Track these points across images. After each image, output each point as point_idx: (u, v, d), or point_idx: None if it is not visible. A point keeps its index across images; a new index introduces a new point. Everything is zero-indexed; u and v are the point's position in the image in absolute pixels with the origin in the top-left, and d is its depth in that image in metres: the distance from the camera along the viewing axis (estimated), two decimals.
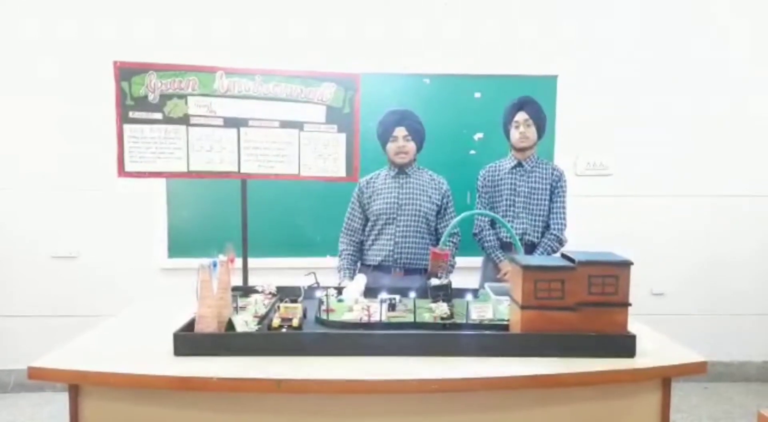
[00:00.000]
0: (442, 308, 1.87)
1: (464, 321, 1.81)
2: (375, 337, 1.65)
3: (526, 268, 1.65)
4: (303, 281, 2.23)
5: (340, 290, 2.19)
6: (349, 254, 2.63)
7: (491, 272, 2.61)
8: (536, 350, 1.63)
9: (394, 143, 2.52)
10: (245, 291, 2.24)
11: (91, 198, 3.25)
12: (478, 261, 2.83)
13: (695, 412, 3.13)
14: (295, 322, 1.79)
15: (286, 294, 2.22)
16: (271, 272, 3.14)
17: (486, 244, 2.61)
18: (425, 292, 2.17)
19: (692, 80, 3.44)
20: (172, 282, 3.16)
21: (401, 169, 2.58)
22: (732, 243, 3.52)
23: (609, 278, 1.65)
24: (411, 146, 2.54)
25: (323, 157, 2.27)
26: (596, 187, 3.41)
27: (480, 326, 1.80)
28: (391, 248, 2.52)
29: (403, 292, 2.17)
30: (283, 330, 1.77)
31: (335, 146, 2.29)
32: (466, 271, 2.78)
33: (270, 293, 2.22)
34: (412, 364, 1.56)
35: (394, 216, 2.54)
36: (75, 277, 3.29)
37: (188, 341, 1.63)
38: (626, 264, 1.65)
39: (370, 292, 2.19)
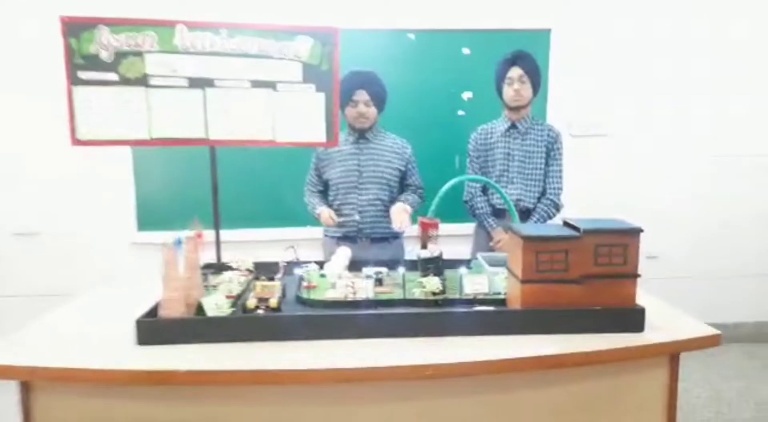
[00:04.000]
0: (433, 283, 1.71)
1: (458, 297, 1.66)
2: (362, 318, 1.50)
3: (527, 239, 1.49)
4: (282, 256, 2.07)
5: (321, 264, 2.02)
6: (315, 194, 2.53)
7: (483, 240, 2.46)
8: (538, 327, 1.50)
9: (354, 108, 2.36)
10: (218, 268, 2.06)
11: (50, 169, 3.00)
12: (468, 228, 2.67)
13: (689, 375, 3.07)
14: (273, 302, 1.63)
15: (263, 270, 2.05)
16: (248, 245, 2.98)
17: (477, 211, 2.45)
18: (413, 264, 2.02)
19: (693, 36, 3.26)
20: (143, 258, 2.97)
21: (361, 134, 2.41)
22: (729, 205, 3.42)
23: (617, 247, 1.51)
24: (372, 111, 2.38)
25: (300, 120, 2.06)
26: (592, 149, 3.25)
27: (475, 301, 1.66)
28: (356, 216, 2.39)
29: (381, 265, 2.03)
30: (260, 311, 1.61)
31: (313, 108, 2.08)
32: (456, 239, 2.63)
33: (246, 270, 2.05)
34: (404, 347, 1.42)
35: (355, 184, 2.39)
36: (37, 255, 3.07)
37: (152, 328, 1.46)
38: (635, 232, 1.51)
39: (353, 265, 2.04)
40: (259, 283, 1.74)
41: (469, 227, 2.66)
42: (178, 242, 1.55)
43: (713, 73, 3.31)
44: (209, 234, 2.14)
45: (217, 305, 1.55)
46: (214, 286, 1.86)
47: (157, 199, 3.03)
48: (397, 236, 2.48)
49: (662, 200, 3.36)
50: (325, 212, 2.37)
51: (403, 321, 1.49)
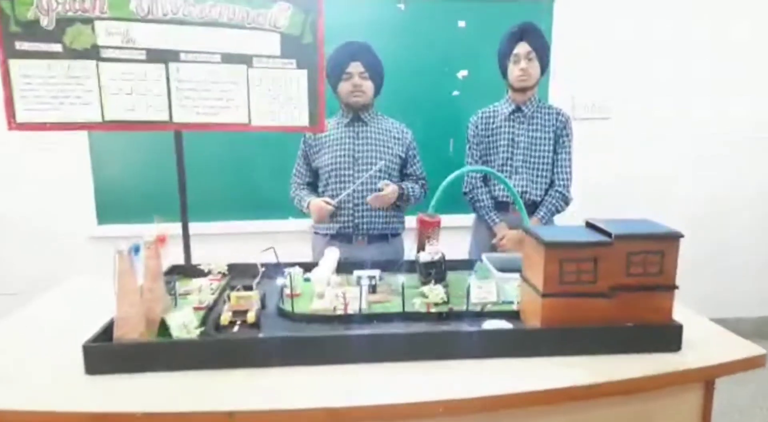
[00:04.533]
0: (436, 292, 1.49)
1: (465, 309, 1.45)
2: (354, 340, 1.26)
3: (550, 246, 1.27)
4: (260, 257, 1.82)
5: (308, 267, 1.78)
6: (302, 187, 2.25)
7: (484, 237, 2.23)
8: (560, 348, 1.29)
9: (348, 81, 2.08)
10: (187, 272, 1.80)
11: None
12: (465, 219, 2.43)
13: None
14: (251, 317, 1.40)
15: (239, 274, 1.81)
16: (224, 239, 2.72)
17: (478, 205, 2.21)
18: (411, 266, 1.80)
19: (704, 10, 3.04)
20: (104, 254, 2.64)
21: (356, 116, 2.14)
22: (732, 195, 3.27)
23: (652, 255, 1.30)
24: (368, 85, 2.11)
25: (279, 100, 1.80)
26: (596, 133, 3.03)
27: (484, 313, 1.45)
28: (350, 212, 2.11)
29: (377, 266, 1.81)
30: (236, 328, 1.38)
31: (295, 86, 1.81)
32: (453, 232, 2.40)
33: (219, 273, 1.80)
34: (405, 374, 1.20)
35: (350, 172, 2.12)
36: None
37: (103, 355, 1.20)
38: (675, 238, 1.30)
39: (343, 266, 1.80)
40: (234, 294, 1.49)
41: (465, 219, 2.42)
42: (135, 249, 1.29)
43: (720, 49, 3.11)
44: (176, 229, 1.89)
45: (184, 324, 1.30)
46: (184, 294, 1.62)
47: (118, 189, 2.72)
48: (396, 233, 2.23)
49: (662, 188, 3.18)
50: (317, 202, 2.08)
51: (403, 343, 1.27)
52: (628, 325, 1.30)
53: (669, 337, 1.32)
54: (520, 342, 1.29)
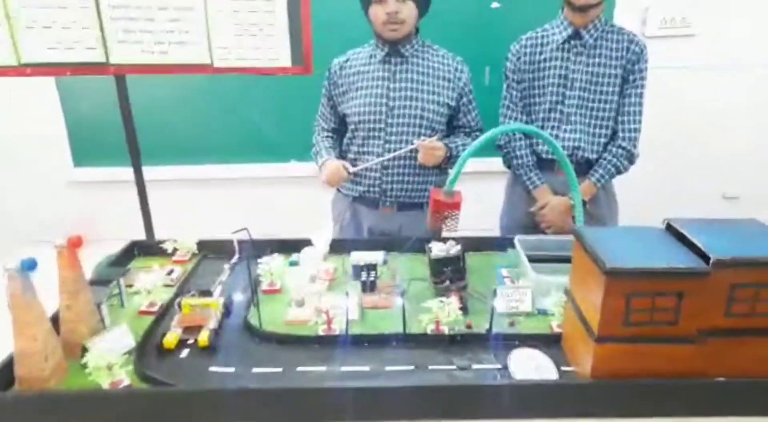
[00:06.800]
0: (448, 309, 1.12)
1: (487, 328, 1.09)
2: (329, 395, 0.92)
3: (613, 274, 0.86)
4: (237, 235, 1.46)
5: (297, 246, 1.43)
6: (326, 136, 1.79)
7: (520, 201, 1.78)
8: (619, 407, 0.92)
9: (381, 5, 1.55)
10: (149, 250, 1.48)
11: None
12: (496, 163, 1.95)
13: None
14: (203, 339, 1.08)
15: (211, 251, 1.49)
16: (219, 184, 2.38)
17: (516, 161, 1.73)
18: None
19: None
20: (84, 200, 2.38)
21: (394, 48, 1.64)
22: None
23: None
24: (409, 9, 1.57)
25: (250, 33, 1.34)
26: (672, 53, 2.42)
27: (512, 337, 1.08)
28: (378, 172, 1.70)
29: (397, 244, 1.48)
30: (183, 354, 1.06)
31: (271, 14, 1.34)
32: (489, 179, 1.96)
33: (188, 252, 1.47)
34: None
35: (382, 124, 1.66)
36: None
37: None
38: None
39: (339, 247, 1.44)
40: (186, 301, 1.16)
41: (496, 163, 1.94)
42: (28, 265, 0.94)
43: None
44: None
45: (107, 364, 0.97)
46: (133, 293, 1.29)
47: (94, 129, 2.33)
48: None
49: (751, 127, 2.59)
50: (333, 164, 1.65)
51: (403, 399, 0.92)
52: (719, 380, 0.92)
53: None
54: (563, 399, 0.93)
